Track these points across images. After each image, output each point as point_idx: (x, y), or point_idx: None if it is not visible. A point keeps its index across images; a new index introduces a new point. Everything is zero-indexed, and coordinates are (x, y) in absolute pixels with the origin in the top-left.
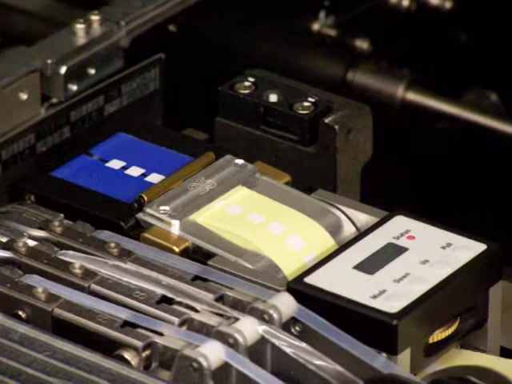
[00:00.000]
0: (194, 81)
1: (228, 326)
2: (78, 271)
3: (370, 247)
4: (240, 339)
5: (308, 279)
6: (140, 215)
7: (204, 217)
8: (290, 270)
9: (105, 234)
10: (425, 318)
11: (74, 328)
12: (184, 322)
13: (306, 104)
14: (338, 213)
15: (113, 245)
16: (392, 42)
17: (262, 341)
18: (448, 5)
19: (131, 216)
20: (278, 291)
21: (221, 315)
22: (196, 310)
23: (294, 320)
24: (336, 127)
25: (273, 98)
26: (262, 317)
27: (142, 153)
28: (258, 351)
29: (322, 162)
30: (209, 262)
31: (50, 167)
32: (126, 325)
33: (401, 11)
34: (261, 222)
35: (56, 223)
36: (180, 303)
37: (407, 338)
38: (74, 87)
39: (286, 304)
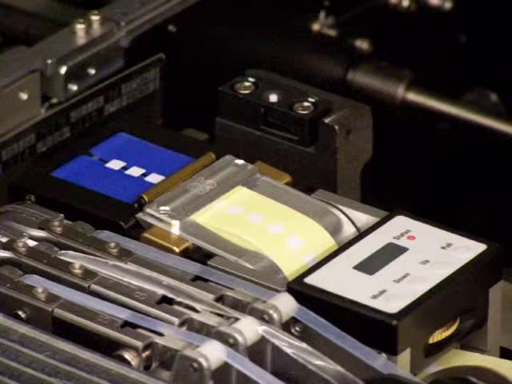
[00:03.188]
0: (193, 81)
1: (228, 326)
2: (78, 271)
3: (370, 247)
4: (240, 339)
5: (308, 279)
6: (140, 215)
7: (204, 217)
8: (290, 270)
9: (105, 234)
10: (425, 319)
11: (74, 328)
12: (184, 323)
13: (305, 104)
14: (338, 213)
15: (113, 245)
16: (392, 41)
17: (262, 341)
18: (448, 5)
19: (131, 216)
20: (278, 291)
21: (221, 315)
22: (196, 311)
23: (294, 320)
24: (336, 127)
25: (273, 98)
26: (262, 317)
27: (142, 153)
28: (258, 351)
29: (321, 162)
30: (209, 263)
31: (50, 167)
32: (126, 325)
33: (401, 11)
34: (261, 222)
35: (56, 223)
36: (180, 303)
37: (407, 339)
38: (74, 87)
39: (286, 304)
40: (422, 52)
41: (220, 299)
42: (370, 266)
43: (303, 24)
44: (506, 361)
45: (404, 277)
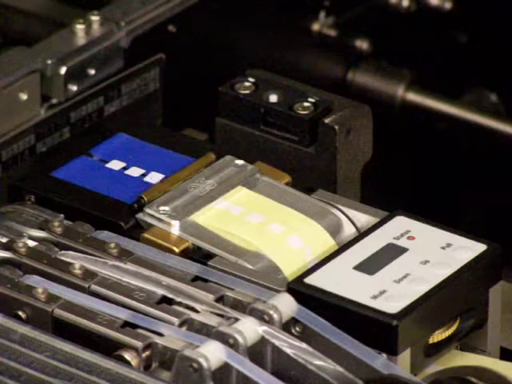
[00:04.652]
0: (193, 81)
1: (228, 327)
2: (78, 271)
3: (370, 248)
4: (240, 340)
5: (308, 280)
6: (140, 215)
7: (204, 217)
8: (290, 270)
9: (104, 235)
10: (425, 319)
11: (74, 328)
12: (184, 323)
13: (305, 104)
14: (338, 213)
15: (113, 245)
16: (392, 41)
17: (262, 341)
18: (448, 5)
19: (131, 216)
20: (278, 292)
21: (221, 316)
22: (196, 311)
23: (294, 320)
24: (336, 127)
25: (273, 98)
26: (262, 317)
27: (142, 153)
28: (258, 352)
29: (322, 162)
30: (209, 263)
31: (50, 168)
32: (126, 325)
33: (401, 11)
34: (261, 222)
35: (56, 223)
36: (180, 304)
37: (407, 339)
38: (74, 88)
39: (286, 304)
40: (422, 52)
41: (220, 299)
42: (370, 266)
43: (303, 24)
44: (507, 362)
45: (404, 277)
